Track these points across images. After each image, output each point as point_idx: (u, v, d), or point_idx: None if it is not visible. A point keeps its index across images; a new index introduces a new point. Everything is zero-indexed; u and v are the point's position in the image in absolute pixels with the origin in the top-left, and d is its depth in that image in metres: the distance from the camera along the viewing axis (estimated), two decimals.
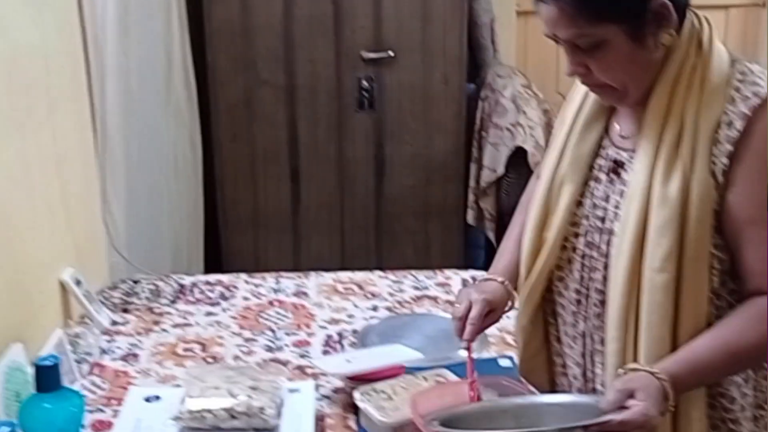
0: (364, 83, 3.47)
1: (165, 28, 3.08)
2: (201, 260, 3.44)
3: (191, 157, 3.34)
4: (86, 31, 2.18)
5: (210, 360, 1.90)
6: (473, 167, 3.56)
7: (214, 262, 3.66)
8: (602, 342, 1.42)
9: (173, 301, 2.19)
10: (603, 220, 1.43)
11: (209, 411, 1.54)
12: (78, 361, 1.82)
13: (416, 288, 2.27)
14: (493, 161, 3.41)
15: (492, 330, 1.98)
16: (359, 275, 2.35)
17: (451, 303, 2.16)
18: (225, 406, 1.54)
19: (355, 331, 2.02)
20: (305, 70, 3.47)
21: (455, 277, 2.33)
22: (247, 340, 1.99)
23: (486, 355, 1.89)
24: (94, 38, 2.22)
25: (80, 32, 2.15)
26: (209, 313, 2.13)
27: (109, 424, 1.63)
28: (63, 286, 1.97)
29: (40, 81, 1.87)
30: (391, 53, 3.44)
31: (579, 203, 1.46)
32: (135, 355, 1.92)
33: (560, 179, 1.48)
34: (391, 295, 2.23)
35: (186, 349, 1.94)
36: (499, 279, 1.57)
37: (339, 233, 3.67)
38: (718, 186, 1.31)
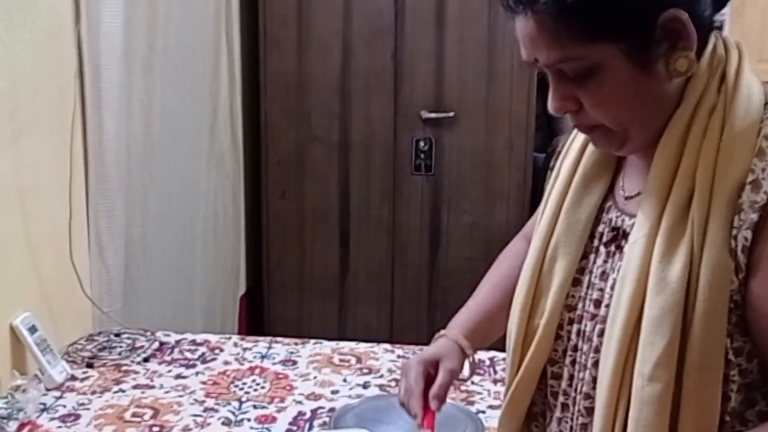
0: (422, 144, 3.24)
1: (212, 75, 2.95)
2: (235, 321, 3.23)
3: (232, 212, 3.18)
4: (83, 64, 2.03)
5: (156, 429, 1.66)
6: None
7: (256, 326, 3.46)
8: None
9: (146, 360, 1.97)
10: (598, 304, 1.08)
11: None
12: (5, 417, 1.62)
13: None
14: None
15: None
16: (363, 347, 2.08)
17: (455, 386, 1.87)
18: None
19: (332, 410, 1.75)
20: (360, 128, 3.27)
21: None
22: (207, 409, 1.74)
23: None
24: (96, 71, 2.07)
25: (76, 64, 2.00)
26: (179, 376, 1.90)
27: None
28: (15, 333, 1.78)
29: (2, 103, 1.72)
30: (451, 114, 3.20)
31: (577, 281, 1.12)
32: (77, 416, 1.70)
33: (553, 251, 1.13)
34: (390, 371, 1.95)
35: (135, 415, 1.71)
36: (468, 351, 1.28)
37: (388, 304, 3.41)
38: (739, 269, 0.95)
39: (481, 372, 1.92)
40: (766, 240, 0.93)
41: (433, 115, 3.21)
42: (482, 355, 1.96)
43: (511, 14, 1.01)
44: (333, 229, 3.37)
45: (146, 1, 2.35)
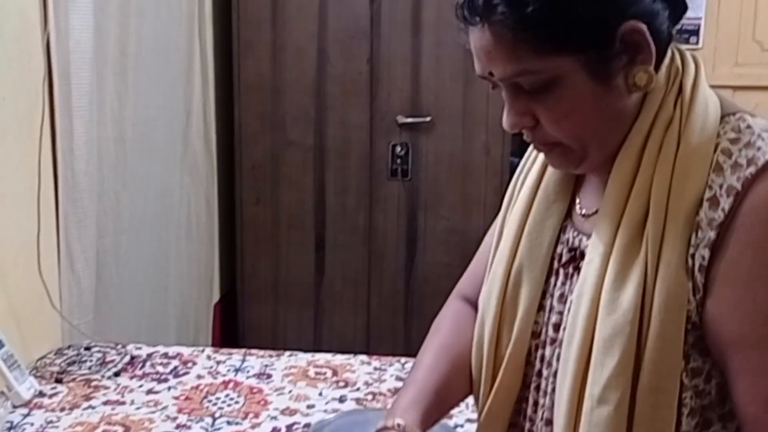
0: (399, 149, 3.21)
1: (185, 79, 2.90)
2: (209, 330, 3.19)
3: (206, 219, 3.13)
4: (52, 70, 1.98)
5: None
6: None
7: (230, 333, 3.41)
8: None
9: (117, 374, 1.92)
10: (557, 328, 1.05)
11: None
12: None
13: (399, 378, 1.94)
14: None
15: None
16: (339, 359, 2.04)
17: None
18: None
19: (307, 425, 1.71)
20: (336, 132, 3.24)
21: None
22: (179, 426, 1.70)
23: None
24: (65, 77, 2.02)
25: (44, 70, 1.95)
26: (151, 391, 1.85)
27: None
28: None
29: None
30: (428, 119, 3.17)
31: (540, 306, 1.08)
32: None
33: (516, 276, 1.09)
34: (367, 384, 1.91)
35: None
36: (397, 421, 1.08)
37: (365, 311, 3.38)
38: (696, 289, 0.91)
39: None
40: (723, 259, 0.90)
41: (410, 119, 3.18)
42: None
43: (466, 26, 0.98)
44: (308, 235, 3.33)
45: (117, 5, 2.30)
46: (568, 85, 0.94)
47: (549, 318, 1.07)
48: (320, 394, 1.86)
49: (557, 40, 0.93)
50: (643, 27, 0.93)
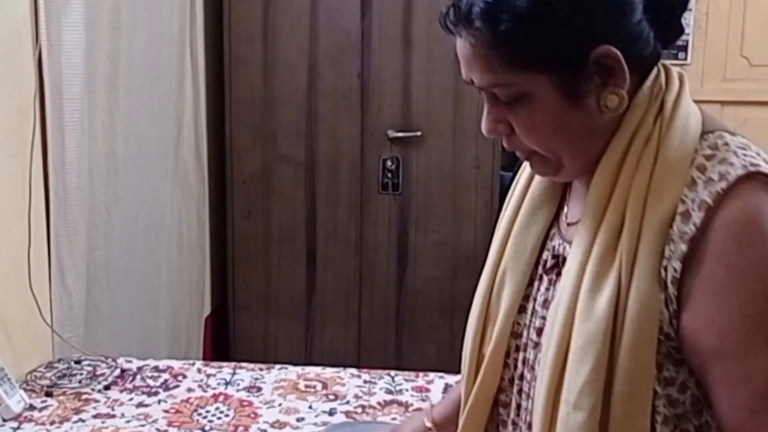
0: (389, 164, 3.23)
1: (176, 94, 2.92)
2: (200, 343, 3.19)
3: (197, 232, 3.14)
4: (44, 85, 1.99)
5: None
6: None
7: (221, 347, 3.42)
8: None
9: (107, 387, 1.93)
10: (540, 332, 1.08)
11: None
12: None
13: (389, 391, 1.95)
14: None
15: None
16: (329, 372, 2.05)
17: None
18: None
19: None
20: (327, 147, 3.25)
21: (438, 381, 2.00)
22: None
23: None
24: (57, 92, 2.03)
25: (35, 85, 1.96)
26: (141, 404, 1.85)
27: None
28: None
29: None
30: (419, 133, 3.19)
31: (522, 309, 1.12)
32: None
33: (501, 278, 1.13)
34: (356, 397, 1.92)
35: None
36: (427, 423, 1.22)
37: (356, 324, 3.38)
38: (669, 300, 0.93)
39: None
40: (696, 273, 0.92)
41: (400, 134, 3.20)
42: (451, 380, 1.94)
43: (449, 34, 1.03)
44: (299, 248, 3.34)
45: (108, 21, 2.32)
46: (539, 100, 0.98)
47: (532, 321, 1.10)
48: (310, 407, 1.87)
49: (528, 58, 0.96)
50: (617, 52, 0.96)
